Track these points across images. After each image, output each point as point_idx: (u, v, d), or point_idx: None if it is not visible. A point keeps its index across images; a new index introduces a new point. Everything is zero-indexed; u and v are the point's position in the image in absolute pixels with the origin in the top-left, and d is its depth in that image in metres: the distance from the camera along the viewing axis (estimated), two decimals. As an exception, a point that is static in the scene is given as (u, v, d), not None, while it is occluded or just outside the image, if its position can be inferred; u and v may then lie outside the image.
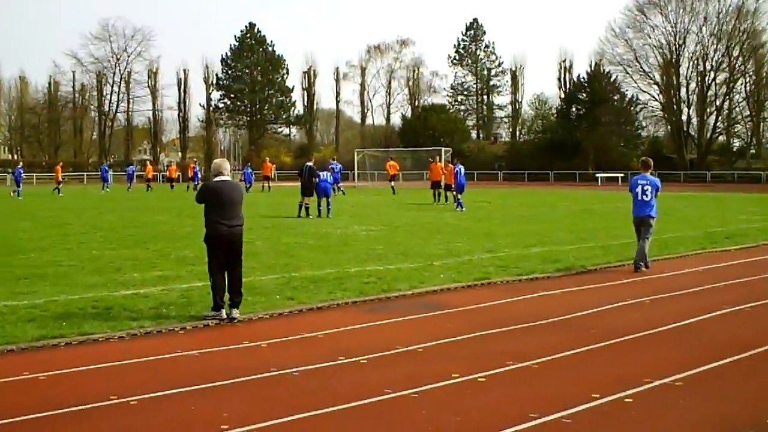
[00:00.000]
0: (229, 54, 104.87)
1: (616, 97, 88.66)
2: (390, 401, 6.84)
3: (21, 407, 6.69)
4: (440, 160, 41.07)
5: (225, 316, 10.22)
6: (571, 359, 8.30)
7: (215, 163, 10.93)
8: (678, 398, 6.92)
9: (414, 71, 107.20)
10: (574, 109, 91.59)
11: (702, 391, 7.18)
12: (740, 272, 14.77)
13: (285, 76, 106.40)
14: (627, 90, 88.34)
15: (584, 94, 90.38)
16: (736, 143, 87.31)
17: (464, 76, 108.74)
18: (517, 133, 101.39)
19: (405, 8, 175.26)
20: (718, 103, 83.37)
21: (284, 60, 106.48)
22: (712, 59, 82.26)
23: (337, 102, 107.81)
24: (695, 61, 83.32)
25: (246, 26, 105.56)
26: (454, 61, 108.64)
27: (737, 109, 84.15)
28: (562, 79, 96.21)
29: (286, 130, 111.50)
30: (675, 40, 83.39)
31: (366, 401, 6.82)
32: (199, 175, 56.78)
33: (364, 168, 71.37)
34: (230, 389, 7.21)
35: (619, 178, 72.97)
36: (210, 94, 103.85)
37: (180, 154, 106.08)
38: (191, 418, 6.45)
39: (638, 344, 9.00)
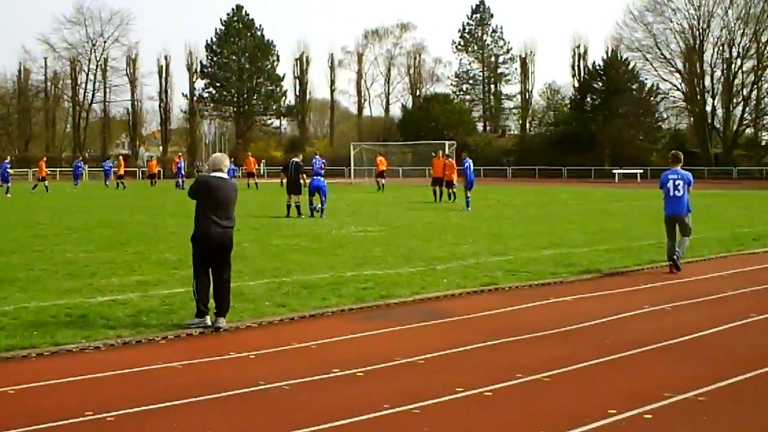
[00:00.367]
0: (214, 39, 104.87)
1: (634, 87, 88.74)
2: (388, 417, 6.84)
3: (-12, 424, 6.69)
4: (443, 155, 41.09)
5: (210, 324, 10.23)
6: (586, 372, 8.31)
7: (215, 157, 10.95)
8: (701, 414, 6.92)
9: (415, 58, 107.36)
10: (588, 99, 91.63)
11: (727, 406, 7.19)
12: (769, 277, 14.80)
13: (275, 64, 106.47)
14: (646, 78, 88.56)
15: (600, 83, 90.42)
16: (765, 136, 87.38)
17: (470, 64, 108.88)
18: (527, 125, 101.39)
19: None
20: (745, 92, 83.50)
21: (274, 46, 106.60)
22: (738, 45, 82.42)
23: (332, 92, 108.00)
24: (720, 47, 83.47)
25: (233, 9, 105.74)
26: (459, 47, 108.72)
27: (766, 99, 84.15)
28: (575, 67, 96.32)
29: (276, 122, 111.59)
30: (698, 24, 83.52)
31: (362, 417, 6.82)
32: (183, 171, 56.80)
33: (360, 163, 71.34)
34: (215, 404, 7.22)
35: (638, 175, 73.06)
36: (193, 82, 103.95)
37: (161, 148, 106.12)
38: (173, 435, 6.45)
39: (658, 355, 9.01)
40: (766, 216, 28.63)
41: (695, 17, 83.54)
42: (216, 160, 10.82)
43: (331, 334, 9.97)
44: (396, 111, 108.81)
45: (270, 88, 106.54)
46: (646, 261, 16.45)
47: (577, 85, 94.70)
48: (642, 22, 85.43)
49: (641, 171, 74.39)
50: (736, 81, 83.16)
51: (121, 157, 65.30)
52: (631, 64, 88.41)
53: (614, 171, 74.73)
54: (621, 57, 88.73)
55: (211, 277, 10.44)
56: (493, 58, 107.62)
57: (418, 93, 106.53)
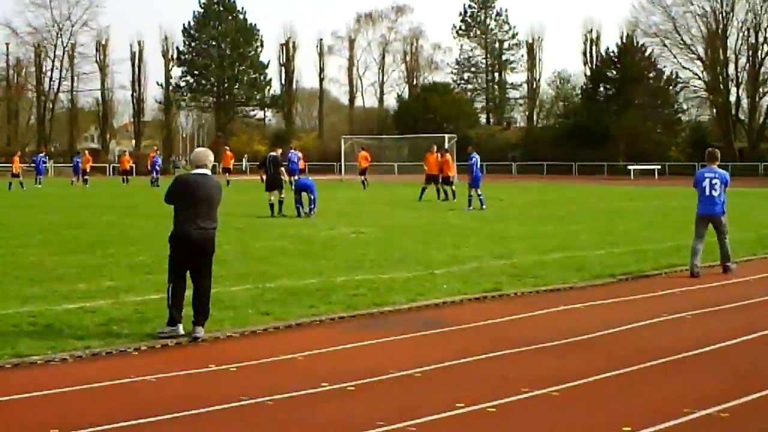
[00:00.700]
0: (192, 23, 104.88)
1: (651, 75, 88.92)
2: (383, 435, 6.85)
3: (-56, 443, 6.67)
4: (438, 150, 41.13)
5: (182, 333, 10.21)
6: (598, 386, 8.31)
7: (198, 152, 10.94)
8: (724, 432, 6.94)
9: (412, 44, 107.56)
10: (602, 88, 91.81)
11: (752, 424, 7.20)
12: (798, 282, 14.83)
13: (259, 50, 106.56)
14: (665, 66, 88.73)
15: (614, 72, 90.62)
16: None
17: (471, 50, 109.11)
18: (535, 117, 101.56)
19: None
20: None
21: (258, 30, 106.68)
22: (765, 29, 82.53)
23: (321, 80, 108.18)
24: (745, 32, 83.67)
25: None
26: (460, 32, 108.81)
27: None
28: (587, 54, 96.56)
29: (260, 114, 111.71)
30: (722, 7, 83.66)
31: (354, 435, 6.82)
32: (159, 167, 56.75)
33: (352, 158, 71.28)
34: (193, 421, 7.21)
35: (655, 171, 73.19)
36: (169, 70, 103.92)
37: (134, 141, 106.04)
38: (146, 455, 6.44)
39: (677, 368, 9.01)
40: (794, 216, 28.69)
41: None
42: (199, 156, 10.80)
43: (319, 344, 9.96)
44: (391, 102, 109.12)
45: (253, 76, 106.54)
46: (664, 265, 16.48)
47: (588, 73, 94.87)
48: (660, 5, 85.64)
49: (659, 167, 74.52)
50: (763, 69, 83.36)
51: (86, 152, 65.16)
52: (648, 51, 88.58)
53: (629, 167, 74.85)
54: (637, 43, 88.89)
55: (188, 283, 10.43)
56: (497, 44, 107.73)
57: (415, 82, 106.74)
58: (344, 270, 15.56)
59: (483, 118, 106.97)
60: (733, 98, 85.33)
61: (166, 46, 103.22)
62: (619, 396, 7.97)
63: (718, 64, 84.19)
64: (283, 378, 8.56)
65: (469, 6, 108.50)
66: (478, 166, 32.64)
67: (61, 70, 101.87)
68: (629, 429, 6.89)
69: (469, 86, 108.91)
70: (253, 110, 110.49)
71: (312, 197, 28.36)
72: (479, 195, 31.72)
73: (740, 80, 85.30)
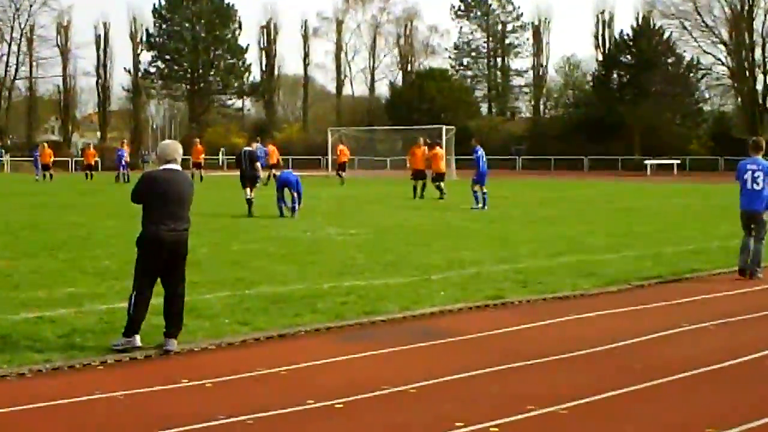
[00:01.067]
0: (162, 3, 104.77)
1: (670, 61, 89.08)
2: (374, 458, 6.85)
3: None
4: (435, 142, 41.24)
5: (139, 344, 10.13)
6: (612, 403, 8.32)
7: (165, 146, 10.84)
8: (750, 454, 6.95)
9: (406, 26, 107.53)
10: (615, 75, 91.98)
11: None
12: (831, 289, 14.87)
13: (237, 33, 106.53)
14: (685, 51, 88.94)
15: (629, 57, 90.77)
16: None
17: (472, 33, 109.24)
18: (541, 107, 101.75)
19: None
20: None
21: (236, 11, 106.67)
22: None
23: (306, 66, 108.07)
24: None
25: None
26: (459, 13, 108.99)
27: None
28: (599, 37, 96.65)
29: (238, 103, 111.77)
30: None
31: (343, 458, 6.82)
32: (125, 161, 56.64)
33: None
34: (164, 443, 7.20)
35: (674, 166, 73.32)
36: (138, 55, 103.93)
37: (99, 133, 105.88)
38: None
39: (699, 384, 9.03)
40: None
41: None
42: (167, 150, 10.70)
43: (304, 357, 9.95)
44: (383, 90, 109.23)
45: (230, 61, 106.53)
46: (685, 270, 16.50)
47: (601, 58, 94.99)
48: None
49: (678, 161, 74.67)
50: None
51: (46, 145, 64.92)
52: (666, 34, 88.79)
53: (646, 162, 74.96)
54: (654, 25, 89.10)
55: (157, 290, 10.39)
56: (499, 27, 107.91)
57: (409, 68, 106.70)
58: (331, 275, 15.55)
59: (484, 108, 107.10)
60: (759, 86, 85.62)
61: (134, 28, 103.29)
62: (634, 415, 7.98)
63: (744, 48, 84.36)
64: (264, 395, 8.55)
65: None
66: (484, 160, 32.70)
67: (18, 55, 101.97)
68: (646, 451, 6.90)
69: (469, 73, 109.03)
70: (231, 99, 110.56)
71: (296, 194, 28.23)
72: (484, 193, 31.71)
73: (767, 66, 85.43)
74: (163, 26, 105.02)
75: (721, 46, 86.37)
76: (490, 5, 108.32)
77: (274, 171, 48.30)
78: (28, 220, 27.01)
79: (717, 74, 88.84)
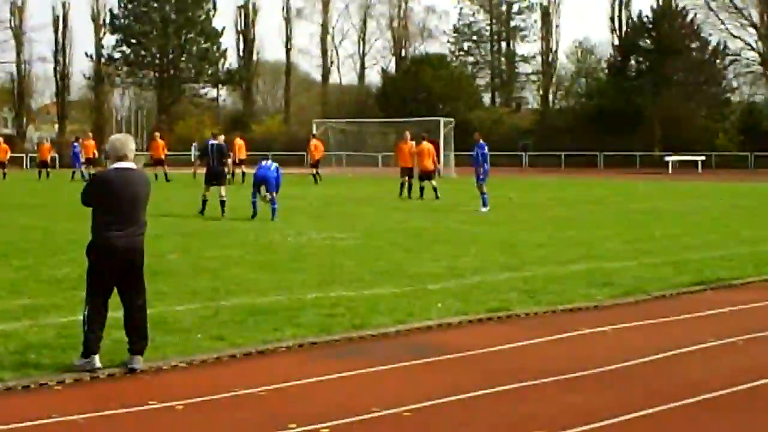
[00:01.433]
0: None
1: (694, 46, 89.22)
2: (364, 489, 6.85)
3: None
4: (422, 137, 41.41)
5: (99, 366, 10.07)
6: (629, 426, 8.33)
7: (116, 141, 10.70)
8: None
9: (400, 7, 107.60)
10: (633, 62, 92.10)
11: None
12: None
13: (211, 14, 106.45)
14: (710, 34, 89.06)
15: (648, 41, 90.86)
16: None
17: (473, 14, 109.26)
18: (550, 97, 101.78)
19: None
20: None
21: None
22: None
23: (288, 51, 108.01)
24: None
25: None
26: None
27: None
28: (615, 20, 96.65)
29: (213, 92, 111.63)
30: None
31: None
32: (81, 158, 56.58)
33: (326, 147, 71.31)
34: (129, 472, 7.19)
35: (698, 163, 73.33)
36: (101, 39, 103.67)
37: (57, 126, 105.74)
38: None
39: (727, 405, 9.04)
40: None
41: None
42: (117, 146, 10.55)
43: (286, 377, 9.95)
44: (374, 78, 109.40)
45: (204, 46, 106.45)
46: (711, 279, 16.50)
47: (617, 43, 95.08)
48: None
49: (703, 158, 74.71)
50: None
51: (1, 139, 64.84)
52: (690, 16, 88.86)
53: (667, 158, 74.99)
54: (676, 6, 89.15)
55: (118, 302, 10.35)
56: (504, 8, 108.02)
57: (403, 53, 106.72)
58: (316, 285, 15.55)
59: (487, 99, 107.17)
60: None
61: (97, 9, 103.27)
62: (654, 440, 7.99)
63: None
64: (241, 418, 8.55)
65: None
66: (487, 156, 32.77)
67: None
68: (667, 480, 6.91)
69: (470, 59, 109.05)
70: (204, 88, 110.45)
71: (272, 194, 27.74)
72: (483, 193, 31.71)
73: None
74: (129, 6, 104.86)
75: (751, 29, 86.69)
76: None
77: (242, 168, 48.62)
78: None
79: (746, 61, 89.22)
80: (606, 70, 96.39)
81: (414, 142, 39.89)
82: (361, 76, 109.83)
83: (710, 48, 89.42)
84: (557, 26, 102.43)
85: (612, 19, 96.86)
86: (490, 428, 8.22)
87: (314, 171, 51.62)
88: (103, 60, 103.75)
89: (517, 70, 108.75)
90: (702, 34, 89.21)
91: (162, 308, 12.83)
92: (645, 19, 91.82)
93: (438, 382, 9.82)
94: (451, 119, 64.77)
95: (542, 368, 10.31)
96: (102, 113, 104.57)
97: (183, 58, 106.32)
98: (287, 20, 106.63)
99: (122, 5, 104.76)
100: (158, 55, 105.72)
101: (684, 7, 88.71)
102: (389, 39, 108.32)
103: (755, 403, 9.13)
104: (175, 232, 23.46)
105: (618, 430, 8.23)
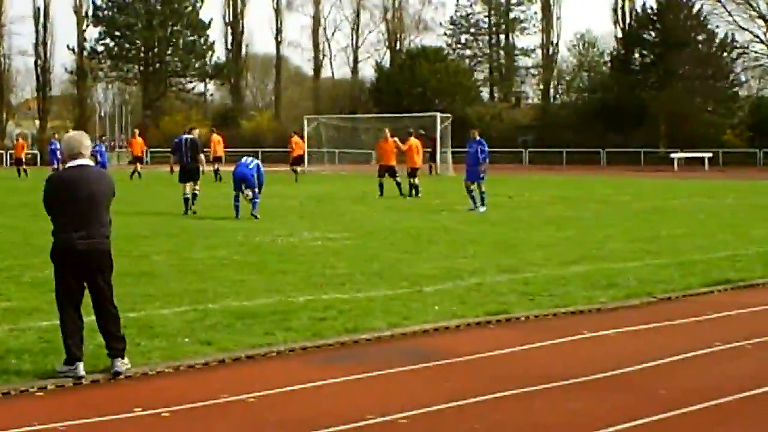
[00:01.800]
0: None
1: (700, 38, 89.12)
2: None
3: None
4: (408, 133, 41.53)
5: (82, 374, 10.03)
6: (633, 434, 8.33)
7: (70, 138, 10.65)
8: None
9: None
10: (637, 55, 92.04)
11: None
12: None
13: (198, 5, 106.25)
14: (717, 27, 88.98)
15: (653, 33, 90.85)
16: None
17: (471, 6, 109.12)
18: (551, 91, 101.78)
19: None
20: None
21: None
22: None
23: (278, 44, 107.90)
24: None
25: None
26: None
27: None
28: (618, 11, 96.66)
29: (200, 87, 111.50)
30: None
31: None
32: (59, 155, 56.52)
33: (318, 143, 71.35)
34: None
35: (705, 160, 73.32)
36: (83, 31, 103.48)
37: (37, 122, 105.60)
38: None
39: (734, 411, 9.05)
40: None
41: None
42: (71, 143, 10.50)
43: (276, 382, 9.96)
44: (368, 72, 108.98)
45: (191, 39, 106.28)
46: (718, 280, 16.50)
47: (620, 35, 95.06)
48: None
49: (710, 155, 74.66)
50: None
51: None
52: (697, 7, 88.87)
53: (672, 155, 75.03)
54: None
55: (90, 310, 10.29)
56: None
57: (398, 46, 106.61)
58: (307, 287, 15.55)
59: (485, 93, 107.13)
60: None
61: (79, 1, 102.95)
62: (659, 447, 8.00)
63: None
64: (229, 426, 8.55)
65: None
66: (487, 152, 32.75)
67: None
68: (673, 490, 6.92)
69: (468, 52, 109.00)
70: (191, 82, 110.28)
71: (253, 192, 27.52)
72: (482, 192, 31.69)
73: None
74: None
75: (760, 21, 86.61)
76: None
77: (218, 165, 48.76)
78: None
79: (755, 54, 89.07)
80: (609, 64, 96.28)
81: (396, 139, 39.86)
82: (355, 70, 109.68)
83: (717, 41, 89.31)
84: (558, 18, 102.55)
85: (615, 11, 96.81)
86: (489, 436, 8.23)
87: (294, 168, 52.24)
88: (85, 53, 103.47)
89: (516, 64, 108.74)
90: (709, 26, 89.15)
91: (148, 312, 12.83)
92: (649, 11, 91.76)
93: (435, 387, 9.82)
94: (449, 115, 64.73)
95: (543, 373, 10.32)
96: (85, 109, 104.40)
97: (169, 52, 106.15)
98: (277, 11, 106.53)
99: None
100: (143, 49, 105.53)
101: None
102: (383, 31, 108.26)
103: (764, 410, 9.14)
104: (160, 232, 23.45)
105: (622, 437, 8.26)
